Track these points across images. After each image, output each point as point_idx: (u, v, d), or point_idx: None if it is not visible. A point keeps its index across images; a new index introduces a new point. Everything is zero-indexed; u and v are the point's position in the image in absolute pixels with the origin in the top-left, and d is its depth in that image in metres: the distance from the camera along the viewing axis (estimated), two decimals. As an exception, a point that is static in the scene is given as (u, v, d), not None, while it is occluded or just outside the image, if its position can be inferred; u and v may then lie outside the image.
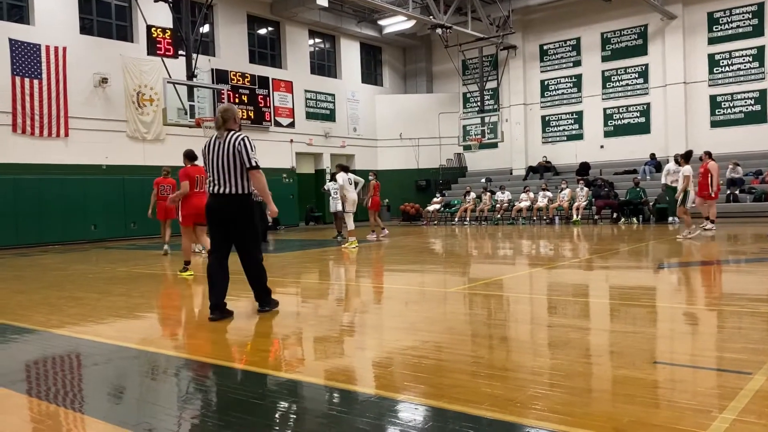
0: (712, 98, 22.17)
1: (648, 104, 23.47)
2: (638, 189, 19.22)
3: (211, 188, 5.56)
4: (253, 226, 5.67)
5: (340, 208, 14.22)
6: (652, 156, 22.24)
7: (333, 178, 14.13)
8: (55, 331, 5.38)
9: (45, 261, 12.88)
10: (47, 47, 17.52)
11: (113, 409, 3.38)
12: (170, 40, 16.34)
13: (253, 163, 5.46)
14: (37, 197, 17.16)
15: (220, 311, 5.55)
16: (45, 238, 17.35)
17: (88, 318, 5.96)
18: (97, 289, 8.02)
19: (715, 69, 22.09)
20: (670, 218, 16.89)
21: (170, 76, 16.39)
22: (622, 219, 19.02)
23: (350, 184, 13.64)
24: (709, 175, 12.90)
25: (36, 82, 17.34)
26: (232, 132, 5.51)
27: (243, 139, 5.46)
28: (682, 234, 12.49)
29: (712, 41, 22.13)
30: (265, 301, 5.80)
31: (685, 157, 12.96)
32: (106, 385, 3.80)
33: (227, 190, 5.44)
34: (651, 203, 18.92)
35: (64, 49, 17.82)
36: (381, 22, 26.51)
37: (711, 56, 22.16)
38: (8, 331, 5.48)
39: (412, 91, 29.74)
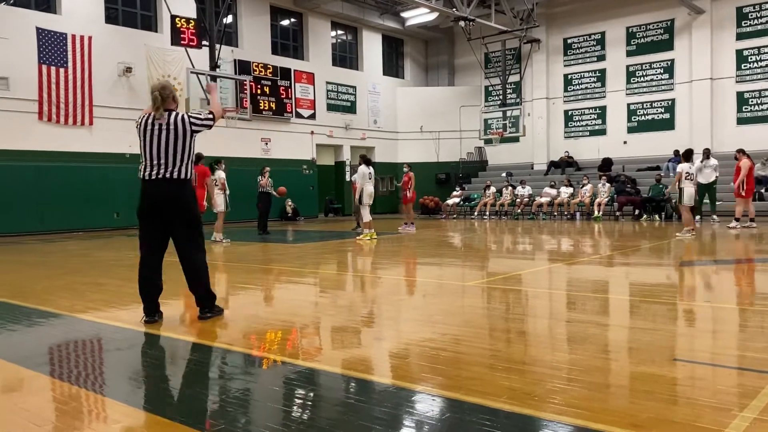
0: (740, 95, 21.78)
1: (673, 100, 23.14)
2: (661, 186, 18.99)
3: (147, 172, 4.99)
4: (195, 215, 5.15)
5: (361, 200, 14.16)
6: (676, 152, 21.90)
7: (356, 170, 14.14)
8: (79, 315, 5.47)
9: (69, 247, 13.09)
10: (73, 36, 17.74)
11: (134, 392, 3.44)
12: (194, 31, 16.45)
13: (211, 117, 5.16)
14: (62, 184, 17.43)
15: (155, 313, 5.09)
16: (69, 225, 17.63)
17: (111, 304, 6.06)
18: (120, 276, 8.14)
19: (743, 65, 21.69)
20: (714, 216, 16.48)
21: (193, 66, 16.51)
22: (644, 216, 18.82)
23: (370, 178, 13.67)
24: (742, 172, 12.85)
25: (62, 70, 17.57)
26: (174, 112, 5.03)
27: (190, 117, 5.06)
28: (680, 232, 12.44)
29: (740, 36, 21.73)
30: (208, 306, 5.19)
31: (685, 156, 12.78)
32: (128, 370, 3.87)
33: (167, 174, 4.94)
34: (673, 200, 18.67)
35: (90, 38, 18.03)
36: (403, 14, 26.43)
37: (739, 52, 21.76)
38: (34, 314, 5.59)
39: (433, 84, 29.63)
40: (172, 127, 4.95)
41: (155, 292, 5.10)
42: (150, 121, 4.98)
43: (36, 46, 17.06)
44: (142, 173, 5.02)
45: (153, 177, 4.97)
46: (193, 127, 5.04)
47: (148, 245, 5.12)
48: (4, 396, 3.34)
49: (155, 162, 4.96)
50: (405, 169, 15.65)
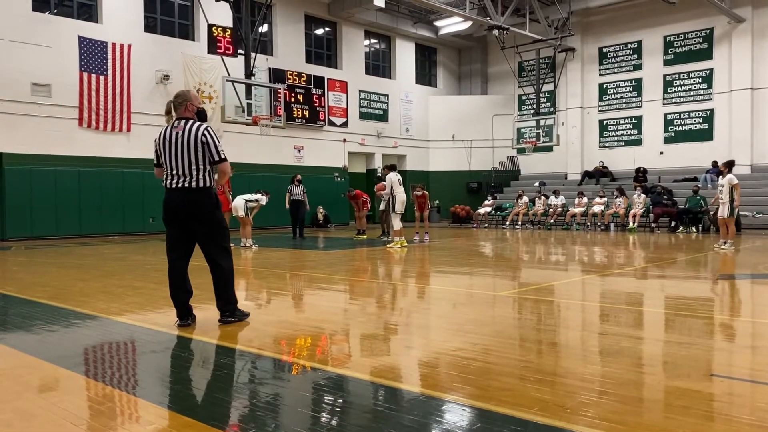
0: (781, 105, 21.28)
1: (711, 110, 22.69)
2: (698, 197, 18.61)
3: (167, 182, 5.05)
4: (219, 222, 5.16)
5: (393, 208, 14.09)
6: (714, 164, 21.47)
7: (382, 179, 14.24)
8: (115, 318, 5.58)
9: (105, 251, 13.36)
10: (113, 44, 18.18)
11: (168, 394, 3.49)
12: (230, 39, 16.71)
13: (222, 156, 5.04)
14: (99, 189, 17.85)
15: (188, 317, 5.16)
16: (105, 229, 18.01)
17: (146, 307, 6.16)
18: (155, 280, 8.27)
19: (785, 74, 21.20)
20: None
21: (229, 75, 16.77)
22: (681, 228, 18.46)
23: (400, 184, 13.66)
24: None
25: (102, 78, 18.01)
26: (191, 121, 5.05)
27: (207, 131, 5.01)
28: (717, 244, 12.19)
29: (782, 45, 21.25)
30: (229, 310, 5.22)
31: (729, 167, 12.48)
32: (162, 372, 3.93)
33: (187, 184, 4.97)
34: (711, 212, 18.27)
35: (129, 46, 18.45)
36: (437, 23, 26.48)
37: (781, 61, 21.28)
38: (71, 316, 5.71)
39: (466, 93, 29.57)
40: (185, 135, 4.98)
41: (185, 296, 5.16)
42: (169, 130, 5.05)
43: (77, 54, 17.54)
44: (163, 182, 5.11)
45: (172, 186, 5.03)
46: (203, 140, 4.96)
47: (174, 251, 5.18)
48: (43, 395, 3.42)
49: (173, 171, 5.01)
50: (418, 191, 15.39)
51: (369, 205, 18.46)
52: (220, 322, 5.18)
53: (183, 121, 5.05)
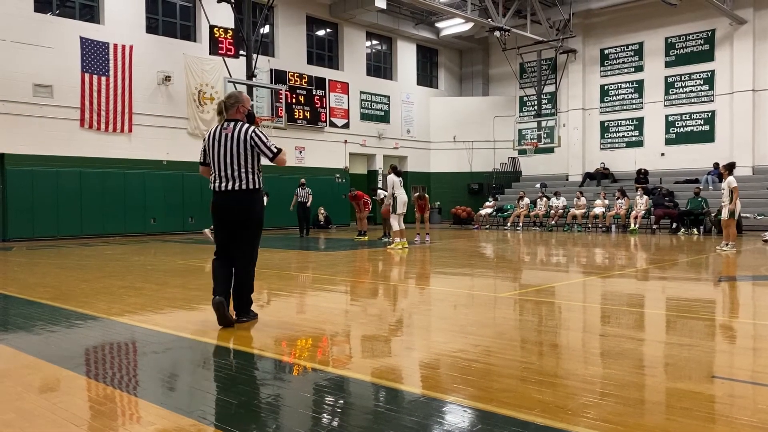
0: (783, 106, 21.27)
1: (713, 112, 22.69)
2: (699, 199, 18.60)
3: (217, 184, 5.05)
4: (259, 228, 5.21)
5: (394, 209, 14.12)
6: (716, 165, 21.46)
7: (384, 181, 14.30)
8: (116, 318, 5.58)
9: (107, 252, 13.38)
10: (115, 45, 18.21)
11: (169, 395, 3.49)
12: (231, 40, 16.75)
13: (275, 149, 5.03)
14: (101, 190, 17.87)
15: (226, 301, 5.07)
16: (107, 230, 18.04)
17: (147, 308, 6.17)
18: (156, 281, 8.28)
19: (786, 76, 21.19)
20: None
21: (231, 76, 16.80)
22: (682, 230, 18.45)
23: (400, 186, 13.67)
24: None
25: (104, 79, 18.04)
26: (240, 123, 5.05)
27: (255, 132, 5.02)
28: (719, 246, 12.18)
29: (784, 47, 21.24)
30: (244, 311, 5.27)
31: (730, 169, 12.44)
32: (163, 373, 3.93)
33: (236, 186, 4.99)
34: (713, 214, 18.26)
35: (131, 47, 18.48)
36: (438, 25, 26.51)
37: (783, 63, 21.27)
38: (73, 317, 5.72)
39: (467, 94, 29.58)
40: (235, 137, 4.97)
41: (229, 277, 5.13)
42: (218, 131, 5.04)
43: (79, 55, 17.57)
44: (211, 185, 5.08)
45: (221, 189, 5.03)
46: (252, 142, 4.98)
47: (226, 252, 5.17)
48: (44, 395, 3.42)
49: (221, 173, 5.00)
50: (418, 194, 15.48)
51: (370, 207, 18.51)
52: (236, 322, 5.18)
53: (232, 123, 5.05)
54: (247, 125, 5.06)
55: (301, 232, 18.46)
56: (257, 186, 5.06)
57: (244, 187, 4.99)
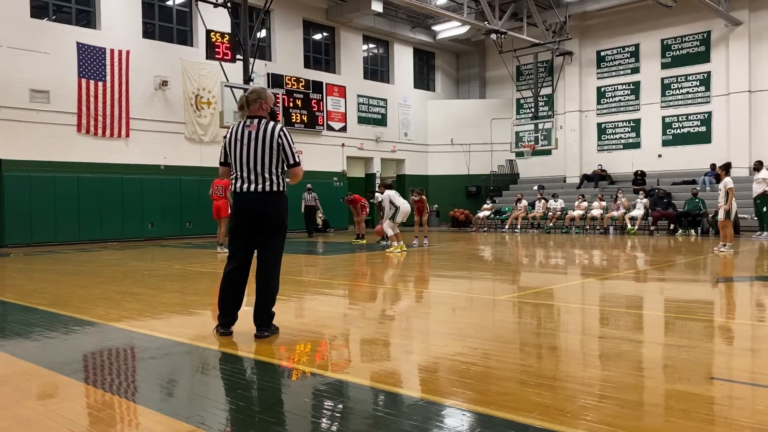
0: (779, 107, 21.32)
1: (709, 113, 22.74)
2: (697, 200, 18.63)
3: (239, 185, 4.72)
4: (285, 232, 4.89)
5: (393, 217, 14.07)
6: (713, 166, 21.49)
7: (387, 188, 14.30)
8: (114, 324, 5.57)
9: (104, 257, 13.35)
10: (112, 51, 18.20)
11: (167, 401, 3.48)
12: (228, 45, 16.75)
13: (297, 159, 4.77)
14: (98, 195, 17.83)
15: (231, 325, 4.89)
16: (104, 235, 18.00)
17: (145, 313, 6.15)
18: (154, 286, 8.27)
19: (782, 77, 21.24)
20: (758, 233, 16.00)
21: (228, 80, 16.79)
22: (680, 231, 18.47)
23: (398, 197, 13.78)
24: None
25: (100, 84, 18.03)
26: (264, 120, 4.74)
27: (282, 131, 4.71)
28: (717, 247, 12.17)
29: (779, 48, 21.30)
30: (266, 324, 4.90)
31: (726, 169, 12.47)
32: (161, 378, 3.92)
33: (261, 187, 4.67)
34: (710, 215, 18.29)
35: (128, 52, 18.47)
36: (435, 28, 26.56)
37: (778, 64, 21.33)
38: (71, 323, 5.70)
39: (464, 97, 29.62)
40: (261, 134, 4.66)
41: (236, 310, 4.88)
42: (240, 129, 4.71)
43: (76, 61, 17.55)
44: (233, 186, 4.77)
45: (244, 190, 4.70)
46: (279, 141, 4.67)
47: (236, 260, 4.84)
48: (42, 402, 3.41)
49: (245, 173, 4.68)
50: (416, 196, 15.43)
51: (368, 210, 18.52)
52: (258, 337, 4.81)
53: (256, 120, 4.73)
54: (274, 123, 4.77)
55: (309, 233, 20.54)
56: (282, 188, 4.76)
57: (268, 188, 4.67)
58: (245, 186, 4.69)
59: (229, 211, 12.20)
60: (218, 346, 4.69)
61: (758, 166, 16.01)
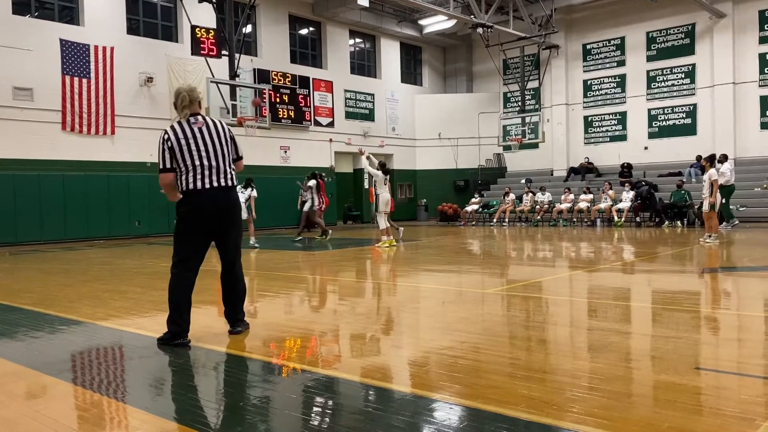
0: (763, 99, 21.49)
1: (694, 105, 22.89)
2: (683, 192, 18.77)
3: (200, 183, 4.49)
4: (241, 228, 4.94)
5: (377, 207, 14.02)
6: (698, 158, 21.62)
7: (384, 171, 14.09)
8: (101, 323, 5.53)
9: (91, 255, 13.25)
10: (96, 47, 18.02)
11: (154, 399, 3.46)
12: (213, 41, 16.63)
13: (241, 153, 4.82)
14: (84, 193, 17.67)
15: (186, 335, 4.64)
16: (91, 233, 17.86)
17: (132, 311, 6.12)
18: (141, 284, 8.22)
19: (766, 69, 21.41)
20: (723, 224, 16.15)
21: (213, 76, 16.68)
22: (666, 222, 18.61)
23: (384, 183, 13.60)
24: None
25: (85, 81, 17.85)
26: (207, 116, 4.67)
27: (227, 125, 4.76)
28: (702, 238, 12.28)
29: (763, 40, 21.46)
30: (239, 319, 4.94)
31: (711, 161, 12.57)
32: (149, 377, 3.90)
33: (224, 182, 4.57)
34: (696, 206, 18.42)
35: (112, 49, 18.30)
36: (421, 22, 26.51)
37: (762, 56, 21.49)
38: (56, 322, 5.66)
39: (451, 91, 29.63)
40: (213, 129, 4.58)
41: (188, 305, 4.67)
42: (186, 127, 4.51)
43: (59, 58, 17.36)
44: (187, 185, 4.50)
45: (212, 185, 4.51)
46: (230, 133, 4.72)
47: (191, 261, 4.66)
48: (27, 402, 3.38)
49: (205, 170, 4.50)
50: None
51: (326, 206, 18.08)
52: (232, 332, 4.85)
53: (200, 117, 4.60)
54: (213, 118, 4.70)
55: (300, 233, 19.29)
56: (236, 183, 4.74)
57: (230, 183, 4.61)
58: (207, 182, 4.50)
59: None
60: (206, 344, 4.67)
61: (723, 159, 16.13)
